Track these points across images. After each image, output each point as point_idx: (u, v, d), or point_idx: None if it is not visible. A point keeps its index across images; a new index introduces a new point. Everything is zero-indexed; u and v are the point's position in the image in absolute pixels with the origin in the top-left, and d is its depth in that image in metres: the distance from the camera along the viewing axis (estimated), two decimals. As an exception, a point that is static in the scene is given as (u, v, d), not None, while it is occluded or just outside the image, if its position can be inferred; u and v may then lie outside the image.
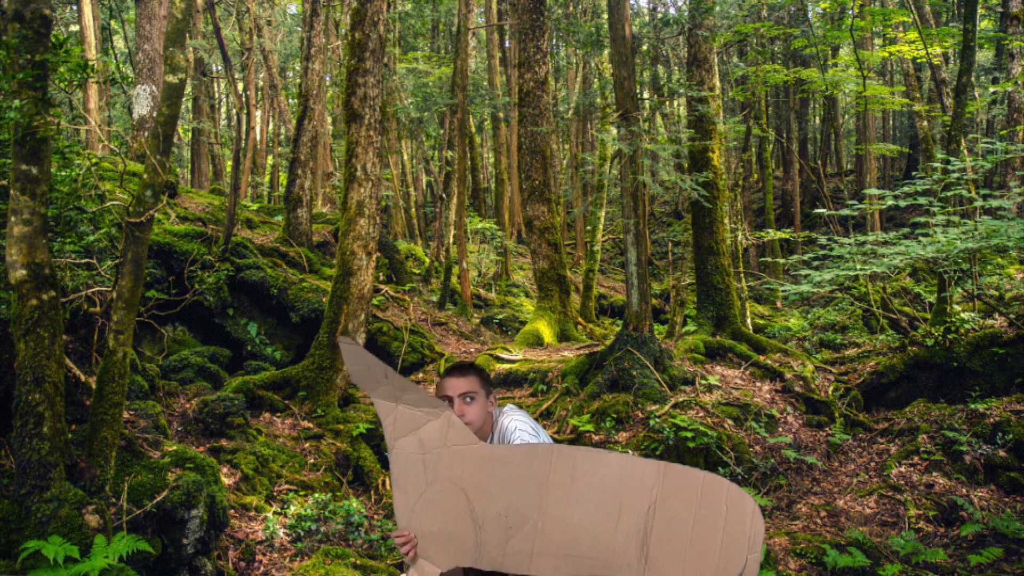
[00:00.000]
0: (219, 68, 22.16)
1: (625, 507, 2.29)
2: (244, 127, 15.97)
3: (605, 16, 10.88)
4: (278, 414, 6.81)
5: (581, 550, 2.29)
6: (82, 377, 4.82)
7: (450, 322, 10.96)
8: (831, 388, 7.39)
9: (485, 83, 20.36)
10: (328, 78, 19.42)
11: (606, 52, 14.99)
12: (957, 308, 7.91)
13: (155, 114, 8.42)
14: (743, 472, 5.87)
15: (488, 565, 2.34)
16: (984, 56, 18.38)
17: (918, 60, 13.15)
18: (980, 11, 11.28)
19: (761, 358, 7.84)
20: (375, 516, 5.80)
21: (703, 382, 7.05)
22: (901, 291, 11.16)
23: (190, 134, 20.68)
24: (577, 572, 2.32)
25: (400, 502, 2.41)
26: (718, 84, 9.79)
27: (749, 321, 10.61)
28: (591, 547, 2.29)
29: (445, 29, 22.40)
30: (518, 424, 2.69)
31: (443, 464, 2.39)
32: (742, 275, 11.14)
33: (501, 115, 18.60)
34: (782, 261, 14.23)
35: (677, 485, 2.31)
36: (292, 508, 5.40)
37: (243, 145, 16.55)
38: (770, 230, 11.43)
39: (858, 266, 7.44)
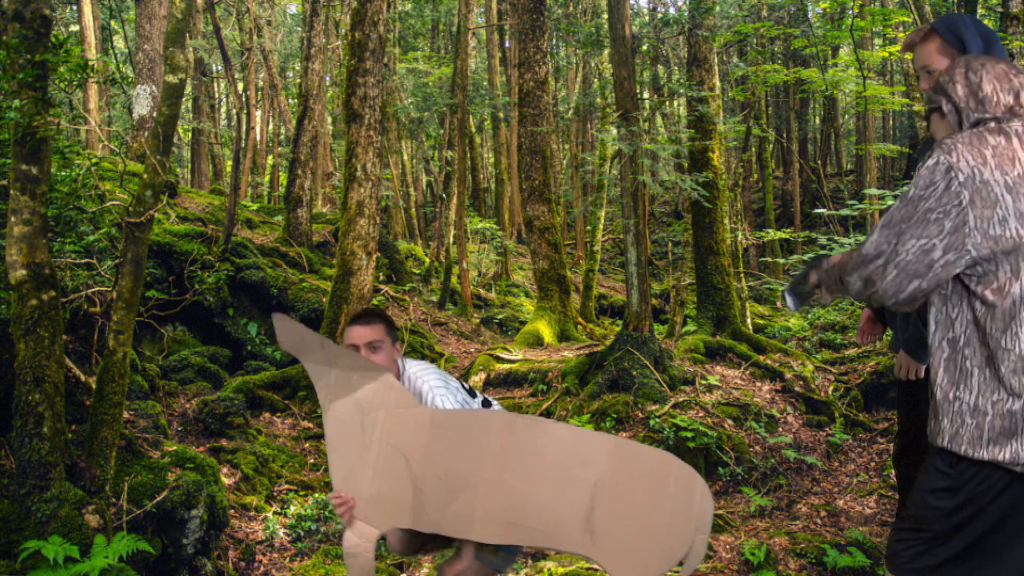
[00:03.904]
0: (219, 68, 22.16)
1: (571, 479, 2.27)
2: (244, 127, 15.97)
3: (605, 16, 10.88)
4: (278, 414, 6.80)
5: (524, 519, 2.27)
6: (82, 377, 4.82)
7: (450, 322, 10.96)
8: (831, 388, 7.38)
9: (485, 83, 20.36)
10: (328, 78, 19.41)
11: (606, 52, 14.99)
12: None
13: (155, 114, 8.42)
14: (743, 472, 5.87)
15: (427, 527, 2.32)
16: (984, 56, 18.26)
17: (918, 60, 13.11)
18: (980, 11, 11.29)
19: (761, 358, 7.84)
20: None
21: (703, 382, 7.05)
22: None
23: (190, 134, 20.68)
24: (519, 540, 2.32)
25: (336, 464, 2.37)
26: (718, 84, 9.79)
27: (749, 321, 10.61)
28: (534, 517, 2.27)
29: (445, 29, 22.40)
30: (425, 377, 2.62)
31: (381, 427, 2.35)
32: (742, 275, 11.14)
33: (501, 115, 18.59)
34: (782, 261, 14.23)
35: (627, 461, 2.29)
36: (292, 508, 5.40)
37: (243, 145, 16.55)
38: (770, 230, 11.42)
39: (858, 266, 7.42)
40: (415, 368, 2.68)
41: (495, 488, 2.28)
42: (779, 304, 14.82)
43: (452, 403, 2.53)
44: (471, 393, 2.76)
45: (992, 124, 1.88)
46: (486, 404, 2.81)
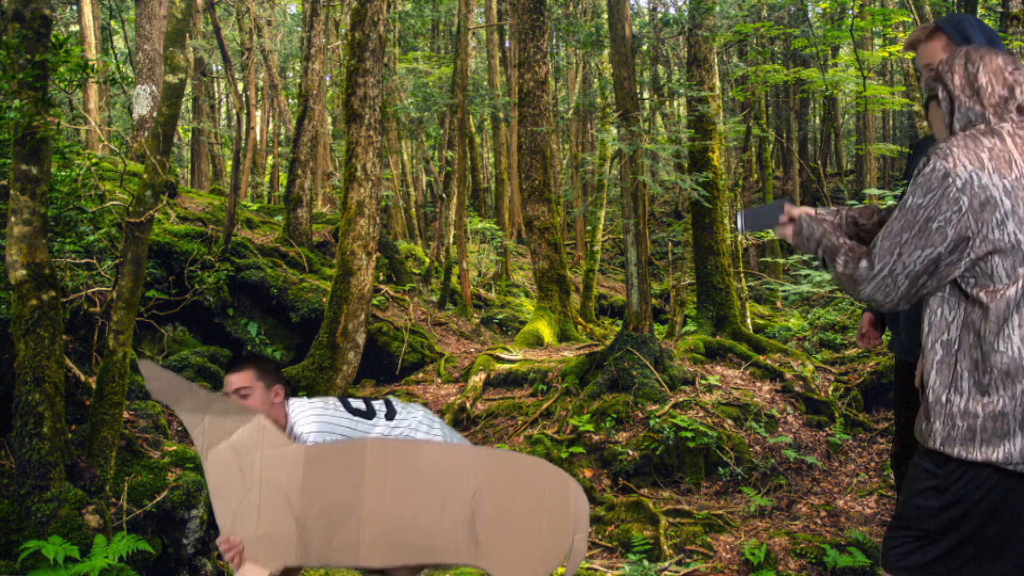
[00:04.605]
0: (219, 68, 22.16)
1: (449, 495, 2.33)
2: (244, 127, 15.97)
3: (605, 16, 10.88)
4: (278, 414, 6.80)
5: (408, 539, 2.33)
6: (82, 377, 4.82)
7: (450, 322, 10.96)
8: (831, 388, 7.38)
9: (485, 83, 20.36)
10: (328, 78, 19.41)
11: (606, 52, 14.99)
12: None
13: (155, 114, 8.42)
14: (743, 472, 5.87)
15: (316, 562, 2.37)
16: (984, 56, 18.26)
17: (918, 60, 13.12)
18: (980, 11, 11.29)
19: (761, 358, 7.84)
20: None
21: (703, 382, 7.05)
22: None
23: (190, 134, 20.68)
24: (407, 560, 2.37)
25: (221, 509, 2.40)
26: (718, 84, 9.79)
27: (749, 321, 10.61)
28: (418, 535, 2.33)
29: (445, 29, 22.39)
30: (299, 421, 2.64)
31: (259, 469, 2.39)
32: (742, 275, 11.14)
33: (501, 115, 18.59)
34: (782, 261, 14.23)
35: (501, 470, 2.37)
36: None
37: (243, 145, 16.55)
38: (770, 230, 11.39)
39: (858, 266, 7.42)
40: (294, 410, 2.70)
41: (376, 513, 2.34)
42: (779, 304, 14.82)
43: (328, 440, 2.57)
44: (366, 413, 2.74)
45: (983, 126, 1.88)
46: (390, 415, 2.78)
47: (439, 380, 8.50)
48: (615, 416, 6.35)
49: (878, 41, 20.09)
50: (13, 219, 3.85)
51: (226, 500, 2.39)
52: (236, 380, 2.64)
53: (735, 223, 2.36)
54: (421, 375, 8.68)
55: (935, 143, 1.92)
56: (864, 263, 1.93)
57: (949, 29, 2.30)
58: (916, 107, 12.51)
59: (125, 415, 4.82)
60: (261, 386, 2.66)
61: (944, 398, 1.88)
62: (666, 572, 4.28)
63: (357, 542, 2.32)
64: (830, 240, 2.04)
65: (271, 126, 23.38)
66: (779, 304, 14.99)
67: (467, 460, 2.38)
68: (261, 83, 19.89)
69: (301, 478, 2.37)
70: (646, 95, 19.80)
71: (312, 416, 2.64)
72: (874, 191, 7.68)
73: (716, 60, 9.68)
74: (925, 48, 2.35)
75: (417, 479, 2.35)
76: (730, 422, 6.43)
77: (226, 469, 2.39)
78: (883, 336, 2.91)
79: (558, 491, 2.36)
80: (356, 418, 2.71)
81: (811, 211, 2.17)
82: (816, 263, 2.05)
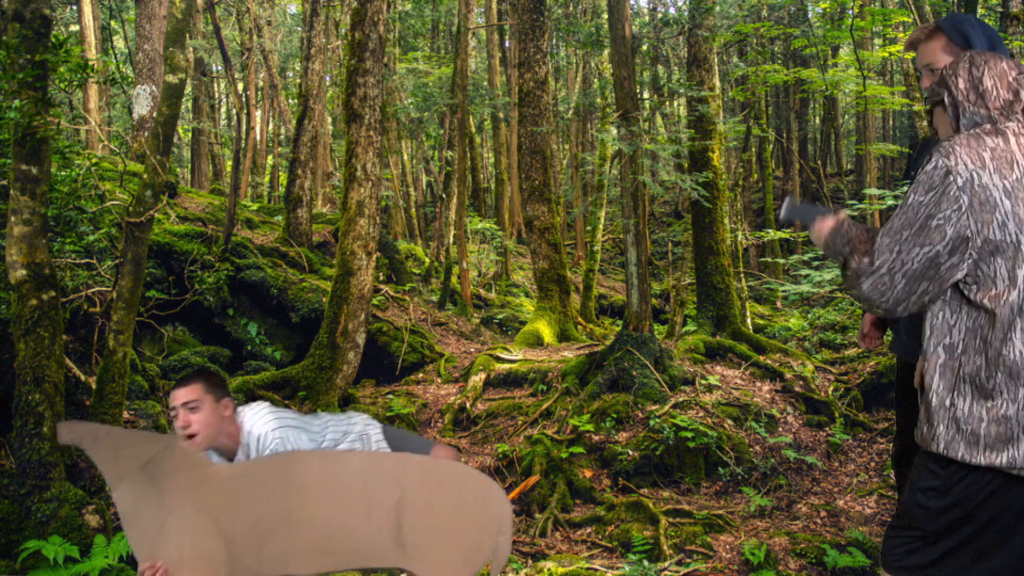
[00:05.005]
0: (219, 68, 22.16)
1: (374, 502, 2.40)
2: (244, 127, 15.97)
3: (605, 16, 10.88)
4: (278, 414, 6.80)
5: (336, 546, 2.39)
6: (82, 377, 4.82)
7: (450, 322, 10.96)
8: (831, 388, 7.38)
9: (485, 83, 20.35)
10: (328, 78, 19.41)
11: (606, 52, 14.99)
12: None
13: (155, 114, 8.42)
14: (743, 472, 5.87)
15: (246, 574, 2.39)
16: (984, 56, 18.25)
17: (918, 60, 13.12)
18: (980, 11, 11.29)
19: (761, 358, 7.84)
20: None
21: (703, 382, 7.05)
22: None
23: (190, 134, 20.68)
24: (335, 566, 2.43)
25: (137, 537, 2.39)
26: (718, 84, 9.79)
27: (749, 321, 10.61)
28: (346, 542, 2.39)
29: (445, 29, 22.39)
30: (260, 423, 2.69)
31: (181, 491, 2.39)
32: (742, 275, 11.14)
33: (501, 115, 18.59)
34: (782, 261, 14.23)
35: (425, 477, 2.45)
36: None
37: (243, 145, 16.55)
38: (770, 230, 11.42)
39: (858, 266, 7.41)
40: (248, 417, 2.74)
41: (303, 523, 2.38)
42: (779, 304, 14.82)
43: (293, 445, 2.63)
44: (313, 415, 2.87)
45: (988, 126, 1.88)
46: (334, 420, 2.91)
47: (439, 380, 8.50)
48: (615, 416, 6.35)
49: (878, 41, 20.08)
50: (13, 219, 3.85)
51: (143, 527, 2.39)
52: (184, 393, 2.65)
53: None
54: (421, 375, 8.68)
55: (939, 143, 1.92)
56: (867, 259, 1.91)
57: (949, 29, 2.30)
58: (916, 107, 12.52)
59: (125, 415, 4.82)
60: (210, 399, 2.68)
61: (947, 402, 1.87)
62: (666, 572, 4.29)
63: (285, 552, 2.37)
64: (859, 237, 2.01)
65: (271, 126, 23.38)
66: (779, 304, 14.99)
67: (391, 468, 2.45)
68: (261, 83, 19.90)
69: (227, 496, 2.39)
70: (646, 95, 19.80)
71: (268, 415, 2.72)
72: (874, 191, 7.68)
73: (716, 60, 9.68)
74: (925, 48, 2.35)
75: (343, 488, 2.41)
76: (730, 422, 6.43)
77: (142, 496, 2.39)
78: (884, 337, 2.91)
79: (481, 495, 2.44)
80: (305, 416, 2.83)
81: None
82: (837, 266, 2.03)
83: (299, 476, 2.40)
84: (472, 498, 2.43)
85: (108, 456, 2.37)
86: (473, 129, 19.71)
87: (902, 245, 1.84)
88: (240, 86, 17.41)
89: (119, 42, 23.59)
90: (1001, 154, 1.81)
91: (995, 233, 1.78)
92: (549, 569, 4.25)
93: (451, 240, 12.58)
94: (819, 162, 22.98)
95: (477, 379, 7.86)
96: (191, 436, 2.61)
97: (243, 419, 2.74)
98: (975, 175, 1.80)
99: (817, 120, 26.01)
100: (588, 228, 15.30)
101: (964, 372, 1.85)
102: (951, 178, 1.81)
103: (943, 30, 2.30)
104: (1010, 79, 1.92)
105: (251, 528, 2.38)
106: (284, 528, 2.37)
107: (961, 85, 1.95)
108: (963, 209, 1.79)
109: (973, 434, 1.82)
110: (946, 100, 1.98)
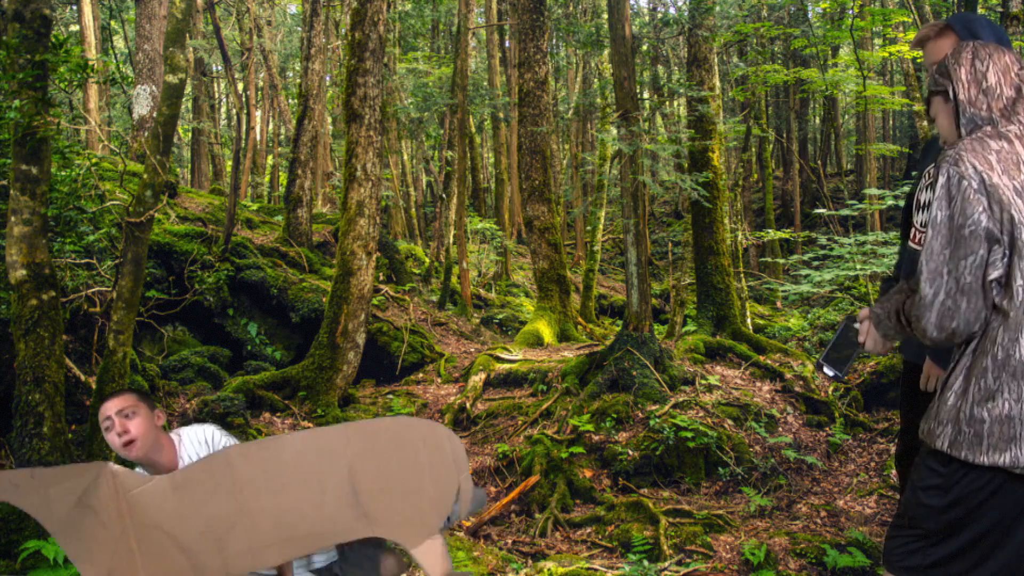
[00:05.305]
0: (219, 68, 22.16)
1: (325, 479, 2.33)
2: (244, 127, 15.97)
3: (605, 16, 10.88)
4: (278, 414, 6.81)
5: (298, 531, 2.34)
6: (82, 377, 4.82)
7: (450, 322, 10.96)
8: (831, 388, 7.38)
9: (485, 83, 20.36)
10: (328, 78, 19.41)
11: (606, 52, 14.99)
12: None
13: (155, 114, 8.42)
14: (743, 472, 5.87)
15: None
16: (984, 56, 18.23)
17: (918, 60, 13.15)
18: (980, 11, 11.29)
19: (761, 358, 7.84)
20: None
21: (703, 382, 7.05)
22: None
23: (190, 134, 20.68)
24: (304, 550, 2.38)
25: (92, 572, 2.30)
26: (718, 84, 9.79)
27: (749, 321, 10.61)
28: (307, 524, 2.34)
29: (445, 29, 22.39)
30: (196, 426, 2.71)
31: (125, 514, 2.32)
32: (742, 275, 11.14)
33: (501, 115, 18.59)
34: (782, 261, 14.23)
35: (368, 439, 2.38)
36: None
37: (243, 145, 16.55)
38: (770, 230, 11.43)
39: (858, 266, 7.44)
40: (181, 430, 2.74)
41: (258, 516, 2.33)
42: (779, 304, 14.82)
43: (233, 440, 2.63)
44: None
45: (990, 128, 1.88)
46: None
47: (439, 380, 8.50)
48: (615, 416, 6.35)
49: (878, 41, 20.09)
50: (13, 219, 3.85)
51: (96, 561, 2.31)
52: (117, 402, 2.62)
53: (822, 372, 2.37)
54: (421, 375, 8.68)
55: (941, 145, 1.92)
56: (916, 296, 1.89)
57: (959, 28, 2.28)
58: (916, 107, 12.52)
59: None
60: (144, 407, 2.66)
61: (953, 401, 1.88)
62: (666, 572, 4.28)
63: (248, 548, 2.32)
64: (890, 298, 2.00)
65: (271, 126, 23.38)
66: (779, 304, 14.99)
67: (334, 441, 2.38)
68: (261, 83, 19.90)
69: (174, 506, 2.33)
70: (646, 95, 19.81)
71: (208, 423, 2.76)
72: (874, 191, 7.68)
73: (716, 60, 9.68)
74: (934, 46, 2.33)
75: (290, 472, 2.34)
76: (730, 422, 6.43)
77: (86, 530, 2.29)
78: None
79: (430, 439, 2.37)
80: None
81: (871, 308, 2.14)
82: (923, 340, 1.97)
83: (242, 470, 2.33)
84: (423, 445, 2.36)
85: (38, 501, 2.23)
86: (473, 129, 19.71)
87: (949, 264, 1.82)
88: (240, 86, 17.41)
89: (119, 42, 23.59)
90: (1007, 156, 1.82)
91: (1019, 231, 1.79)
92: (549, 569, 4.25)
93: (451, 240, 12.58)
94: (819, 162, 22.98)
95: (477, 379, 7.86)
96: (129, 442, 2.57)
97: (181, 432, 2.72)
98: (985, 176, 1.80)
99: (817, 120, 26.02)
100: (588, 228, 15.30)
101: (971, 372, 1.87)
102: (965, 183, 1.81)
103: (953, 28, 2.29)
104: (1012, 75, 1.91)
105: (206, 532, 2.31)
106: (240, 525, 2.31)
107: (963, 76, 1.93)
108: (985, 207, 1.80)
109: (976, 435, 1.83)
110: (948, 92, 1.97)
